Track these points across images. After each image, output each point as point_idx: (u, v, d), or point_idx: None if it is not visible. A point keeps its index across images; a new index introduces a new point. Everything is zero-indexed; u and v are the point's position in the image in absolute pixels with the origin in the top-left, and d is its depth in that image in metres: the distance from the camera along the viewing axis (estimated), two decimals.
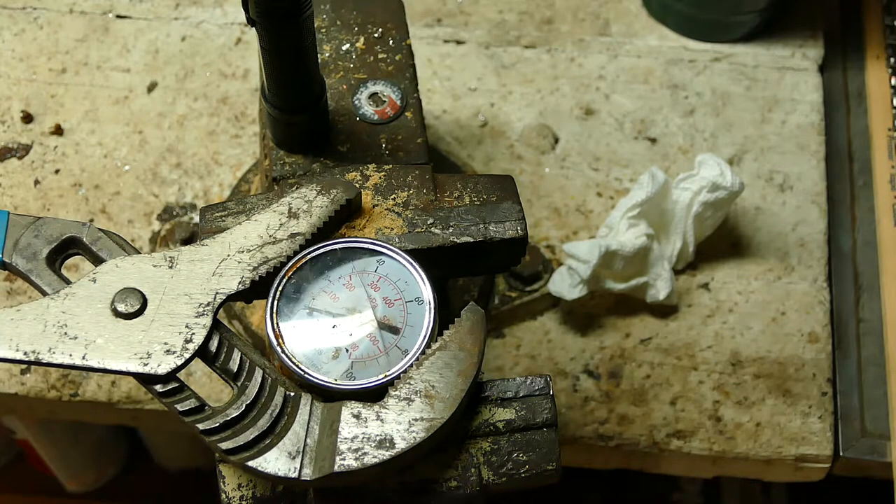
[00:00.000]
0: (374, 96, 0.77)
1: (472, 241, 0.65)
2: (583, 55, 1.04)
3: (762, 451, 0.87)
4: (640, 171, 0.97)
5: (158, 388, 0.58)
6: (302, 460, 0.57)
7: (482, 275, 0.87)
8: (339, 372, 0.59)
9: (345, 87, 0.77)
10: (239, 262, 0.61)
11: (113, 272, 0.60)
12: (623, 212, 0.88)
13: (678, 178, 0.90)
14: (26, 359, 0.57)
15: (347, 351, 0.60)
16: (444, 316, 0.62)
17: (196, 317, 0.59)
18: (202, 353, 0.59)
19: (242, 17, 0.87)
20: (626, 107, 1.01)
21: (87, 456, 1.33)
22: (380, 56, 0.79)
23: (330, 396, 0.59)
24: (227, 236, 0.62)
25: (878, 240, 0.95)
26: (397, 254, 0.63)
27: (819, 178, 0.98)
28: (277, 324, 0.60)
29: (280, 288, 0.61)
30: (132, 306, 0.59)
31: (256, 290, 0.61)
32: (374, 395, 0.59)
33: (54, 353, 0.58)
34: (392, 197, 0.67)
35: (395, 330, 0.61)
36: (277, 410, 0.58)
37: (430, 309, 0.61)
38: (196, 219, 0.94)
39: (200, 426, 0.57)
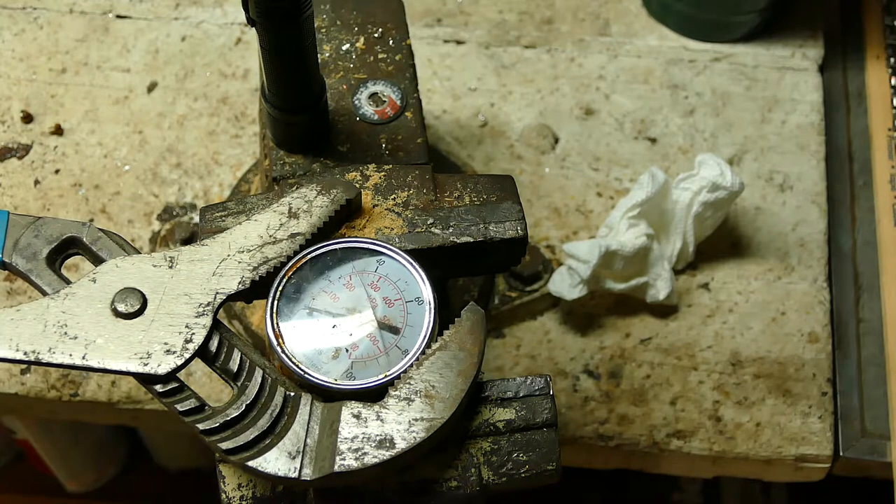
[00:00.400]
0: (374, 96, 0.77)
1: (472, 241, 0.65)
2: (583, 55, 1.04)
3: (762, 451, 0.87)
4: (640, 171, 0.97)
5: (158, 388, 0.58)
6: (302, 460, 0.57)
7: (482, 275, 0.87)
8: (339, 372, 0.59)
9: (345, 87, 0.77)
10: (239, 262, 0.61)
11: (113, 272, 0.60)
12: (623, 212, 0.88)
13: (678, 178, 0.90)
14: (26, 359, 0.57)
15: (347, 351, 0.60)
16: (444, 316, 0.62)
17: (196, 317, 0.59)
18: (202, 353, 0.59)
19: (242, 17, 0.87)
20: (626, 107, 1.01)
21: (87, 456, 1.33)
22: (380, 56, 0.79)
23: (330, 396, 0.59)
24: (227, 236, 0.62)
25: (878, 240, 0.95)
26: (397, 254, 0.63)
27: (819, 178, 0.98)
28: (277, 324, 0.60)
29: (280, 288, 0.61)
30: (132, 306, 0.59)
31: (256, 290, 0.61)
32: (374, 395, 0.59)
33: (54, 353, 0.58)
34: (392, 197, 0.67)
35: (395, 330, 0.61)
36: (277, 410, 0.58)
37: (430, 309, 0.61)
38: (196, 219, 0.94)
39: (200, 426, 0.57)
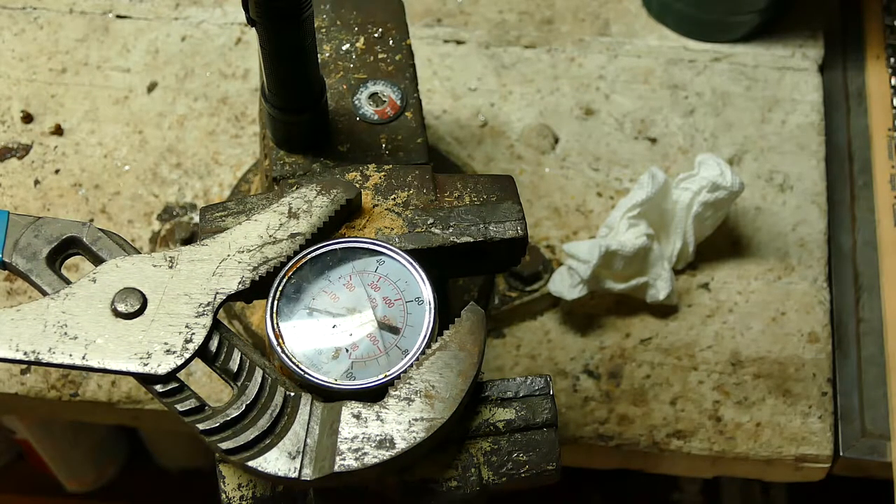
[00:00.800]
0: (374, 96, 0.77)
1: (472, 241, 0.65)
2: (583, 55, 1.04)
3: (762, 451, 0.87)
4: (640, 171, 0.97)
5: (158, 388, 0.58)
6: (302, 460, 0.57)
7: (482, 275, 0.87)
8: (339, 372, 0.59)
9: (345, 87, 0.77)
10: (239, 262, 0.61)
11: (113, 272, 0.60)
12: (623, 212, 0.88)
13: (678, 178, 0.90)
14: (26, 359, 0.57)
15: (347, 351, 0.60)
16: (444, 316, 0.62)
17: (196, 317, 0.59)
18: (202, 353, 0.59)
19: (242, 17, 0.87)
20: (626, 107, 1.01)
21: (87, 456, 1.33)
22: (380, 56, 0.79)
23: (330, 396, 0.59)
24: (227, 236, 0.62)
25: (878, 240, 0.95)
26: (397, 254, 0.63)
27: (819, 178, 0.98)
28: (277, 324, 0.60)
29: (280, 288, 0.61)
30: (132, 306, 0.59)
31: (256, 290, 0.61)
32: (374, 395, 0.59)
33: (54, 353, 0.58)
34: (392, 197, 0.67)
35: (395, 330, 0.61)
36: (277, 410, 0.58)
37: (430, 309, 0.61)
38: (196, 219, 0.94)
39: (200, 426, 0.57)
